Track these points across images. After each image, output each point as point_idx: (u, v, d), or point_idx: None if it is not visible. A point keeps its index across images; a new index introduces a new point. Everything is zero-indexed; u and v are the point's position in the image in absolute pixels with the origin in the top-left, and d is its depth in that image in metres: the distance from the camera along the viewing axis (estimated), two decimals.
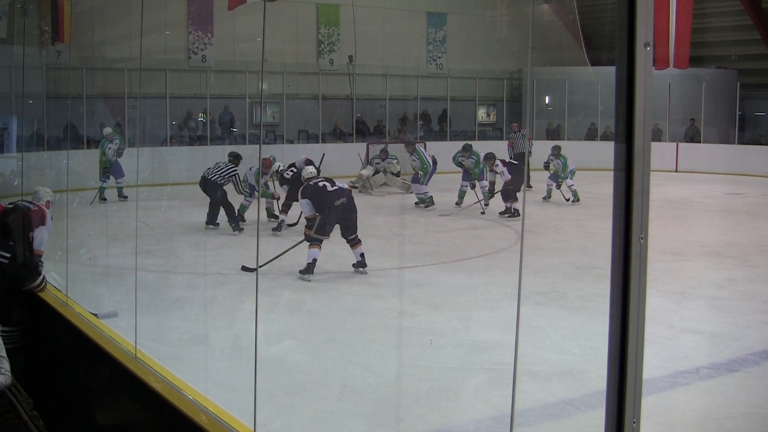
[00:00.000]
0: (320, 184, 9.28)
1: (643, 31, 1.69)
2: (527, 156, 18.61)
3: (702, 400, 5.60)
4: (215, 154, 18.73)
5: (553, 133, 25.24)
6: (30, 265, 5.28)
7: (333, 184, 9.31)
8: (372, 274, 9.25)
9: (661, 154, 21.85)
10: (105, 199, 15.42)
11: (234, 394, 5.09)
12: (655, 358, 6.09)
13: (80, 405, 4.72)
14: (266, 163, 13.19)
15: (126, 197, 15.57)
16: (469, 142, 16.09)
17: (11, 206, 6.05)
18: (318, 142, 21.50)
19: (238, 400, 4.66)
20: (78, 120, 18.48)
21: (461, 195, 15.33)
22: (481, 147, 23.42)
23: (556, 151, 16.41)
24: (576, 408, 5.30)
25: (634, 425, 1.73)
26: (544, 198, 16.25)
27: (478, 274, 9.23)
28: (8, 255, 4.95)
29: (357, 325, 7.36)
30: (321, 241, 9.06)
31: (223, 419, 3.39)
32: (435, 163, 15.42)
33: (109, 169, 15.54)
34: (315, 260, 8.96)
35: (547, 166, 16.42)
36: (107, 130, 16.08)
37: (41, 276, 5.17)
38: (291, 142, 22.05)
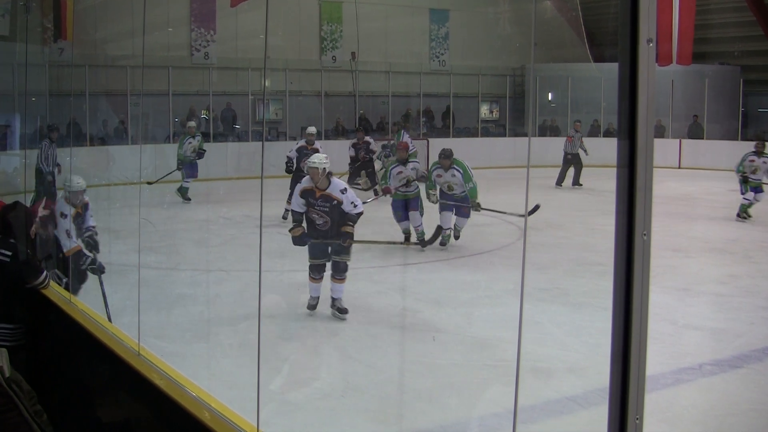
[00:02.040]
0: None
1: (646, 28, 1.68)
2: (582, 157, 18.22)
3: (705, 396, 5.60)
4: (217, 151, 18.78)
5: (554, 130, 25.23)
6: (32, 262, 5.28)
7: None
8: (374, 270, 9.26)
9: (664, 150, 21.85)
10: (190, 200, 15.00)
11: (237, 391, 5.10)
12: (658, 354, 6.08)
13: (83, 402, 4.72)
14: (402, 146, 11.47)
15: (189, 200, 15.02)
16: (447, 148, 10.67)
17: (12, 203, 6.04)
18: (321, 139, 21.50)
19: (241, 396, 4.66)
20: (81, 117, 18.47)
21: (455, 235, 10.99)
22: (483, 144, 23.63)
23: (760, 147, 13.38)
24: (579, 404, 5.30)
25: (637, 422, 1.73)
26: (739, 215, 13.31)
27: (480, 271, 9.24)
28: (9, 253, 4.94)
29: (359, 321, 7.37)
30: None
31: (226, 416, 3.38)
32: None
33: (184, 166, 15.05)
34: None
35: (742, 169, 13.40)
36: (191, 123, 15.72)
37: (44, 273, 5.17)
38: (294, 139, 22.02)
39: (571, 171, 18.32)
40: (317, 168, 7.36)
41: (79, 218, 7.20)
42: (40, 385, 4.61)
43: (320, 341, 6.71)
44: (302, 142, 12.95)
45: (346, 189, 7.48)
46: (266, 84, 21.51)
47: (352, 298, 8.13)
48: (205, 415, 3.36)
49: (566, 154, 18.44)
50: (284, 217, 12.65)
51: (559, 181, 18.25)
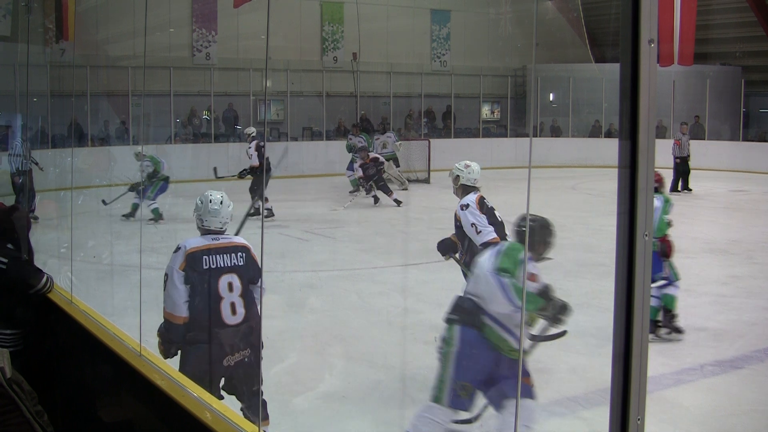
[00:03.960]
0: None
1: (648, 28, 1.68)
2: (688, 159, 17.77)
3: (706, 397, 5.59)
4: (219, 152, 18.81)
5: (556, 131, 25.26)
6: (32, 267, 5.24)
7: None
8: (376, 271, 9.26)
9: (665, 151, 21.81)
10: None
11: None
12: (660, 355, 6.08)
13: (85, 403, 4.73)
14: None
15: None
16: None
17: (11, 206, 6.01)
18: (322, 140, 21.52)
19: None
20: (82, 118, 18.49)
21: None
22: (484, 144, 23.62)
23: None
24: (580, 405, 5.30)
25: (639, 422, 1.72)
26: None
27: None
28: (5, 260, 4.91)
29: (361, 322, 7.37)
30: None
31: (227, 417, 3.39)
32: None
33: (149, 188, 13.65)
34: None
35: None
36: (136, 149, 14.55)
37: (45, 277, 5.15)
38: (295, 139, 22.06)
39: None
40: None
41: None
42: (42, 386, 4.62)
43: (322, 342, 6.71)
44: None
45: (467, 204, 6.00)
46: (267, 84, 21.52)
47: (354, 298, 8.13)
48: (207, 416, 3.37)
49: (675, 158, 17.89)
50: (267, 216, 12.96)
51: (674, 187, 17.42)
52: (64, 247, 8.29)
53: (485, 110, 26.31)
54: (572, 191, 17.83)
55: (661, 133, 22.82)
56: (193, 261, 4.25)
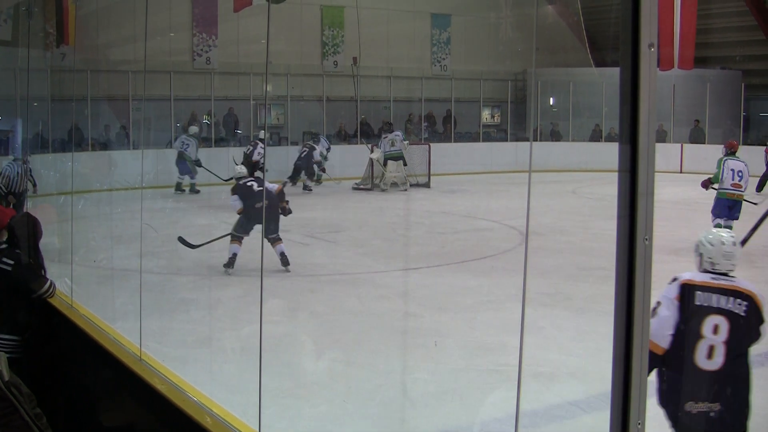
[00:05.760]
0: (248, 183, 9.68)
1: (648, 32, 1.69)
2: None
3: None
4: (219, 156, 18.80)
5: (556, 135, 25.26)
6: (37, 271, 5.25)
7: (260, 184, 9.68)
8: (377, 275, 9.26)
9: (665, 155, 21.81)
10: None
11: (239, 396, 5.09)
12: None
13: (85, 407, 4.73)
14: None
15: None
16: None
17: (26, 213, 6.04)
18: None
19: (243, 401, 4.66)
20: (83, 122, 18.49)
21: None
22: (484, 148, 23.65)
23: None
24: (581, 409, 5.29)
25: (639, 427, 1.72)
26: None
27: (482, 276, 9.23)
28: (11, 262, 4.92)
29: (361, 326, 7.37)
30: (241, 238, 9.53)
31: (227, 421, 3.39)
32: None
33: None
34: (235, 255, 9.47)
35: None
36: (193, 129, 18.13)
37: (48, 282, 5.15)
38: (295, 143, 22.04)
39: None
40: None
41: None
42: (43, 390, 4.61)
43: (322, 346, 6.71)
44: None
45: None
46: (268, 89, 21.52)
47: (356, 302, 8.13)
48: (207, 420, 3.37)
49: (766, 164, 17.62)
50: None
51: (759, 187, 17.27)
52: (65, 252, 8.30)
53: (485, 114, 26.29)
54: (572, 195, 17.83)
55: (661, 137, 22.83)
56: (686, 293, 4.00)
